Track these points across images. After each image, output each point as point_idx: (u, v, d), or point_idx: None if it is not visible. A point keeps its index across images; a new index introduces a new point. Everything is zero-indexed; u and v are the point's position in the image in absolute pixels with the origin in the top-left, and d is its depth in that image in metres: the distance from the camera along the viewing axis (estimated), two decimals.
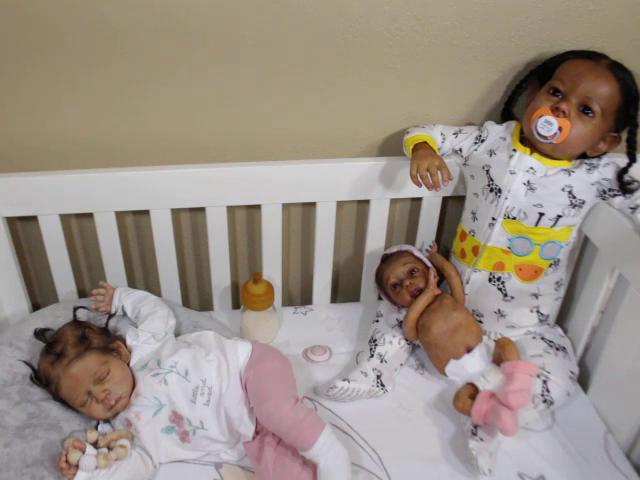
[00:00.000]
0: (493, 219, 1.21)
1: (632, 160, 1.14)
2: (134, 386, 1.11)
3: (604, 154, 1.17)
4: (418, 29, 1.20)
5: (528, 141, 1.18)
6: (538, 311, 1.27)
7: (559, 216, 1.17)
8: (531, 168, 1.16)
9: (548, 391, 1.16)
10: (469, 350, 1.19)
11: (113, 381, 1.08)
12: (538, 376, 1.16)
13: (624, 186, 1.13)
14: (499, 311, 1.27)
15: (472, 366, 1.18)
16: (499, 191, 1.19)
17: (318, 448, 0.99)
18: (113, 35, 1.15)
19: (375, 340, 1.29)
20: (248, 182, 1.28)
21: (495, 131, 1.25)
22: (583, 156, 1.18)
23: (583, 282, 1.28)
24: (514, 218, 1.19)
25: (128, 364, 1.15)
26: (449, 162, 1.27)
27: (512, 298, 1.24)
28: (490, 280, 1.24)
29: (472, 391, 1.15)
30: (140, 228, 1.41)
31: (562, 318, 1.35)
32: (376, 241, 1.42)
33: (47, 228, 1.29)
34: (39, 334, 1.19)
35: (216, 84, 1.23)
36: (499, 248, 1.22)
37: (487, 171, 1.22)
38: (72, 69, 1.18)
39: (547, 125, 1.11)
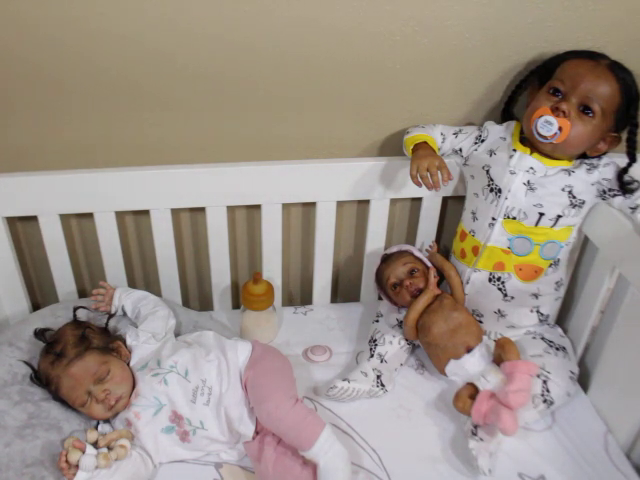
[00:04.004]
0: (493, 219, 1.21)
1: (632, 160, 1.14)
2: (134, 386, 1.11)
3: (604, 154, 1.17)
4: (418, 29, 1.20)
5: (528, 141, 1.18)
6: (538, 311, 1.27)
7: (559, 216, 1.17)
8: (531, 168, 1.17)
9: (548, 391, 1.16)
10: (469, 350, 1.19)
11: (113, 381, 1.08)
12: (538, 376, 1.16)
13: (624, 186, 1.13)
14: (499, 311, 1.27)
15: (472, 366, 1.18)
16: (499, 191, 1.19)
17: (318, 448, 0.99)
18: (115, 37, 1.15)
19: (375, 340, 1.29)
20: (248, 182, 1.29)
21: (495, 131, 1.25)
22: (583, 156, 1.18)
23: (583, 282, 1.28)
24: (514, 218, 1.19)
25: (128, 364, 1.15)
26: (449, 162, 1.27)
27: (512, 298, 1.24)
28: (490, 280, 1.24)
29: (472, 391, 1.15)
30: (140, 228, 1.41)
31: (562, 318, 1.35)
32: (376, 241, 1.42)
33: (47, 228, 1.29)
34: (39, 334, 1.19)
35: (216, 84, 1.23)
36: (499, 248, 1.22)
37: (487, 171, 1.22)
38: (73, 70, 1.18)
39: (547, 125, 1.11)
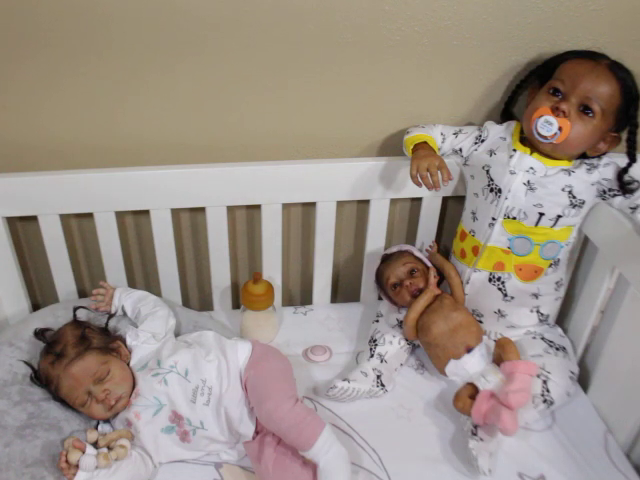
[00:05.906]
0: (493, 219, 1.21)
1: (632, 160, 1.14)
2: (134, 386, 1.11)
3: (604, 154, 1.17)
4: (418, 29, 1.20)
5: (528, 141, 1.18)
6: (538, 311, 1.27)
7: (559, 216, 1.17)
8: (531, 168, 1.16)
9: (548, 391, 1.16)
10: (469, 350, 1.19)
11: (113, 381, 1.08)
12: (538, 376, 1.16)
13: (624, 186, 1.13)
14: (499, 311, 1.27)
15: (472, 366, 1.18)
16: (499, 191, 1.19)
17: (318, 448, 0.99)
18: (111, 34, 1.15)
19: (375, 340, 1.29)
20: (248, 182, 1.28)
21: (495, 131, 1.25)
22: (583, 156, 1.18)
23: (583, 282, 1.28)
24: (514, 218, 1.19)
25: (128, 364, 1.15)
26: (449, 162, 1.27)
27: (512, 298, 1.24)
28: (490, 280, 1.24)
29: (472, 391, 1.15)
30: (140, 228, 1.41)
31: (562, 318, 1.35)
32: (376, 241, 1.42)
33: (47, 228, 1.29)
34: (39, 334, 1.19)
35: (216, 84, 1.23)
36: (499, 248, 1.22)
37: (487, 171, 1.22)
38: (72, 69, 1.18)
39: (547, 125, 1.11)
